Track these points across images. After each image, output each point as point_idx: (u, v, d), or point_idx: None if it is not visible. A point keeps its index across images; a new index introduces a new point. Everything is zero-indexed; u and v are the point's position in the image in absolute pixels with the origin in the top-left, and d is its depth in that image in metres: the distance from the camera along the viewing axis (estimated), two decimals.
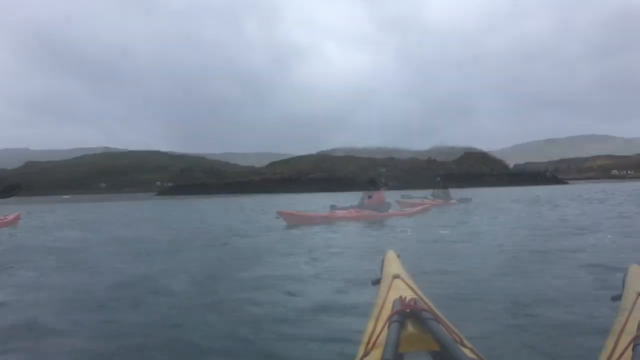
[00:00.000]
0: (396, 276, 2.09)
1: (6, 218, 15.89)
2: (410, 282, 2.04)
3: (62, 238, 12.98)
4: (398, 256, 2.77)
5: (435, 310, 1.63)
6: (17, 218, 16.93)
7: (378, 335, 1.46)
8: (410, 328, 1.46)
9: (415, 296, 1.74)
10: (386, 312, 1.63)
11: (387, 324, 1.47)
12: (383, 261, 2.75)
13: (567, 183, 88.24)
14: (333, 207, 16.71)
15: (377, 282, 2.52)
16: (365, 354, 1.42)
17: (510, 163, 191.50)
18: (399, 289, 1.93)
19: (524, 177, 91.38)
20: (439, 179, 28.21)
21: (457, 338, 1.39)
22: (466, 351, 1.26)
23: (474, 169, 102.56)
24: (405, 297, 1.66)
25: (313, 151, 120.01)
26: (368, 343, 1.48)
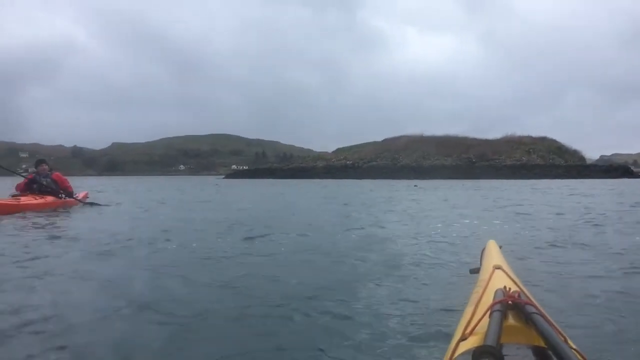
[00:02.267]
0: (498, 267, 2.07)
1: (78, 196, 18.89)
2: (512, 274, 2.02)
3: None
4: (500, 247, 2.74)
5: (538, 305, 1.56)
6: (86, 196, 19.95)
7: (477, 323, 1.46)
8: (511, 320, 1.45)
9: (518, 289, 1.72)
10: (486, 301, 1.61)
11: (489, 312, 1.45)
12: (483, 251, 2.75)
13: (638, 177, 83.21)
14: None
15: (475, 270, 2.54)
16: (463, 339, 1.44)
17: (596, 154, 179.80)
18: (501, 279, 1.90)
19: (594, 170, 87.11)
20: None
21: (561, 337, 1.32)
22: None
23: (544, 160, 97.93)
24: (509, 288, 1.66)
25: (381, 138, 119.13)
26: (466, 328, 1.48)
